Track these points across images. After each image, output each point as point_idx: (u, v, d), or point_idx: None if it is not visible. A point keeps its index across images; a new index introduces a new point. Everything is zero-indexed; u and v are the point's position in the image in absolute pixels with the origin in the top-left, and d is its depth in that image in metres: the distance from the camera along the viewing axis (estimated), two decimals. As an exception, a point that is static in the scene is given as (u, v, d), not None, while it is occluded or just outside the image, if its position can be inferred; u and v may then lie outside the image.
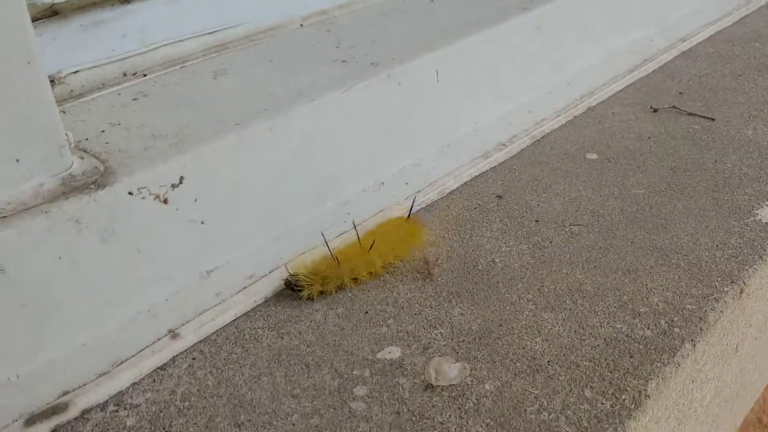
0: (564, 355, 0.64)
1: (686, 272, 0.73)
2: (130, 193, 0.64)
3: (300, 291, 0.70)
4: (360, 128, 0.83)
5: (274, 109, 0.77)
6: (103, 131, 0.74)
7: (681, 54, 1.28)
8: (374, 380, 0.62)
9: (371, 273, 0.73)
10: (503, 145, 0.96)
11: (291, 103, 0.78)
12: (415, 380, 0.62)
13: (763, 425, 1.34)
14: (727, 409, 0.83)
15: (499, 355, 0.64)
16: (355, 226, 0.74)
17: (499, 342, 0.65)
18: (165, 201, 0.65)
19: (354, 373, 0.63)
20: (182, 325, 0.67)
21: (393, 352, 0.65)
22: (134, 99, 0.79)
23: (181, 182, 0.66)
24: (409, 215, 0.76)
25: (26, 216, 0.60)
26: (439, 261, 0.76)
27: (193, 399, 0.60)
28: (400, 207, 0.81)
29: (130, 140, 0.71)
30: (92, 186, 0.64)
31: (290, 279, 0.70)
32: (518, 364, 0.63)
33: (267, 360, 0.64)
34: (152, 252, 0.67)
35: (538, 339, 0.66)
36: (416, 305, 0.70)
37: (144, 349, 0.65)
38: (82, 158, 0.68)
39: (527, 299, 0.71)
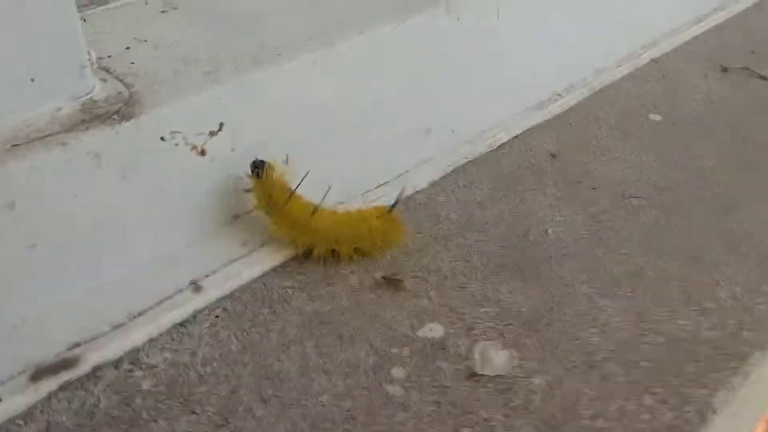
0: (622, 351, 0.58)
1: (757, 265, 0.67)
2: (162, 139, 0.56)
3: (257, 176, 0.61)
4: (410, 66, 0.75)
5: (321, 39, 0.68)
6: (128, 48, 0.65)
7: (754, 5, 1.17)
8: (414, 362, 0.56)
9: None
10: (559, 95, 0.88)
11: (339, 34, 0.69)
12: (458, 366, 0.56)
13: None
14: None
15: (550, 345, 0.58)
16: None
17: (551, 329, 0.60)
18: (203, 152, 0.58)
19: (392, 350, 0.57)
20: (206, 276, 0.61)
21: (435, 330, 0.59)
22: (162, 11, 0.71)
23: (220, 129, 0.59)
24: (392, 208, 0.64)
25: (41, 148, 0.53)
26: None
27: (215, 365, 0.55)
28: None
29: (159, 62, 0.63)
30: (115, 116, 0.56)
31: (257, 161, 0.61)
32: (572, 358, 0.57)
33: (297, 326, 0.58)
34: (178, 195, 0.60)
35: (593, 330, 0.60)
36: (461, 276, 0.64)
37: (164, 300, 0.59)
38: (105, 80, 0.60)
39: (582, 281, 0.64)
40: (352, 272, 0.63)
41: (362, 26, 0.70)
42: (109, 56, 0.64)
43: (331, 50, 0.68)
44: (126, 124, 0.56)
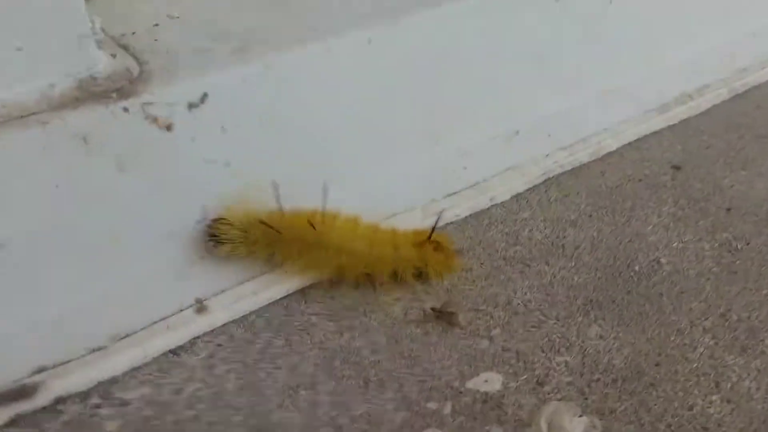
0: (755, 430, 0.41)
1: None
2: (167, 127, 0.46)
3: (218, 242, 0.48)
4: (494, 52, 0.61)
5: (379, 13, 0.56)
6: (156, 25, 0.56)
7: None
8: (456, 423, 0.42)
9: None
10: (689, 96, 0.71)
11: (403, 8, 0.57)
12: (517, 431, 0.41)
13: None
14: None
15: (650, 414, 0.42)
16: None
17: (654, 392, 0.44)
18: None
19: (428, 406, 0.43)
20: (214, 295, 0.50)
21: (491, 382, 0.45)
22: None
23: (203, 101, 0.47)
24: (431, 235, 0.50)
25: (15, 126, 0.44)
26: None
27: (201, 407, 0.43)
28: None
29: (185, 39, 0.53)
30: (113, 94, 0.46)
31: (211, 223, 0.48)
32: (680, 435, 0.41)
33: (314, 364, 0.46)
34: (185, 194, 0.50)
35: (714, 397, 0.43)
36: (537, 313, 0.49)
37: (158, 321, 0.48)
38: (115, 56, 0.50)
39: (703, 328, 0.48)
40: (397, 299, 0.50)
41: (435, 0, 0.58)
42: (134, 33, 0.54)
43: (393, 26, 0.55)
44: (123, 103, 0.46)
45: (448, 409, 0.43)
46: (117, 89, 0.47)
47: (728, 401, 0.43)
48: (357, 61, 0.55)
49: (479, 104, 0.61)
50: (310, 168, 0.53)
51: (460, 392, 0.44)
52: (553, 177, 0.61)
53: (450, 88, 0.59)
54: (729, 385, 0.44)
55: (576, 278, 0.52)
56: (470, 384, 0.44)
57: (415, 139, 0.59)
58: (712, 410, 0.43)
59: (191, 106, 0.47)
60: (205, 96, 0.47)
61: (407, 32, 0.56)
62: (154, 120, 0.46)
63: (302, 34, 0.53)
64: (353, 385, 0.44)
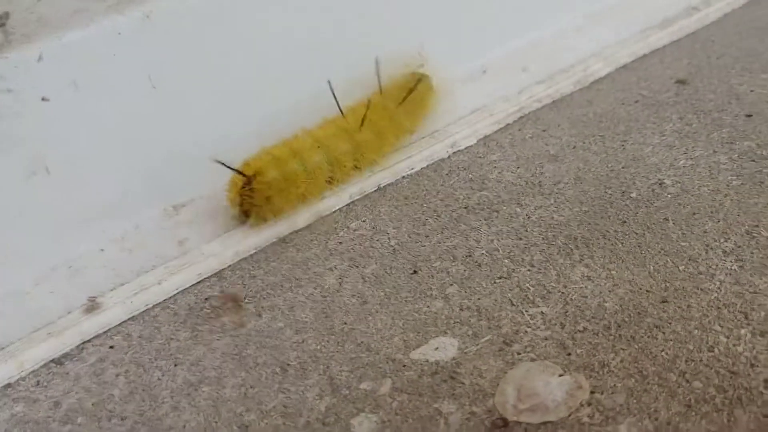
0: (800, 370, 0.29)
1: None
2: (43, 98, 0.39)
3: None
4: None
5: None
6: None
7: None
8: (395, 402, 0.32)
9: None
10: (695, 8, 0.59)
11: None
12: (475, 408, 0.31)
13: None
14: None
15: (656, 363, 0.31)
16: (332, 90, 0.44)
17: (660, 335, 0.33)
18: None
19: (360, 387, 0.33)
20: (111, 290, 0.41)
21: (444, 349, 0.34)
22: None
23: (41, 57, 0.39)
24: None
25: None
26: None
27: (79, 421, 0.34)
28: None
29: (62, 4, 0.46)
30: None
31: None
32: (697, 390, 0.29)
33: (222, 354, 0.36)
34: (74, 169, 0.42)
35: (743, 331, 0.32)
36: (505, 261, 0.38)
37: (42, 327, 0.39)
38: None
39: (723, 251, 0.36)
40: (331, 268, 0.40)
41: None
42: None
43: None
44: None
45: (386, 387, 0.33)
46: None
47: (762, 334, 0.31)
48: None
49: (441, 31, 0.51)
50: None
51: (403, 365, 0.34)
52: (530, 113, 0.50)
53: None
54: (763, 315, 0.32)
55: (556, 216, 0.41)
56: (416, 354, 0.34)
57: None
58: (741, 347, 0.31)
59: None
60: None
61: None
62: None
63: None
64: (268, 374, 0.34)
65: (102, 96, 0.42)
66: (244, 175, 0.42)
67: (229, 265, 0.42)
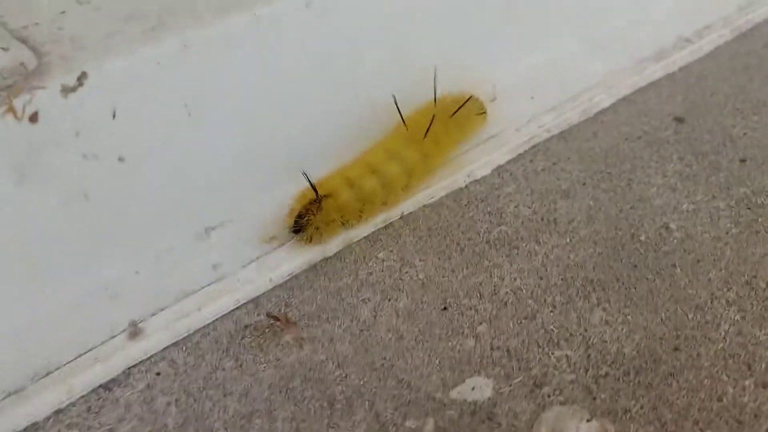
0: (802, 423, 0.34)
1: None
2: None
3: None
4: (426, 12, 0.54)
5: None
6: (63, 12, 0.49)
7: None
8: (440, 443, 0.35)
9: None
10: (687, 40, 0.63)
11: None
12: (514, 449, 0.34)
13: None
14: None
15: (673, 411, 0.35)
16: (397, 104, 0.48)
17: (675, 383, 0.36)
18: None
19: (406, 425, 0.36)
20: (152, 315, 0.43)
21: (480, 389, 0.37)
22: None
23: (81, 83, 0.40)
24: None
25: None
26: (573, 223, 0.46)
27: (137, 451, 0.36)
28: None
29: (94, 23, 0.46)
30: (2, 93, 0.40)
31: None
32: (711, 435, 0.33)
33: (269, 385, 0.39)
34: (106, 202, 0.43)
35: (747, 382, 0.36)
36: (529, 301, 0.42)
37: (86, 352, 0.41)
38: (7, 50, 0.43)
39: (727, 301, 0.40)
40: (365, 300, 0.43)
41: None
42: (36, 23, 0.47)
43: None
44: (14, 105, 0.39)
45: (430, 426, 0.36)
46: (8, 86, 0.40)
47: (764, 385, 0.36)
48: (292, 26, 0.47)
49: (439, 61, 0.53)
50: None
51: (444, 404, 0.37)
52: (540, 143, 0.53)
53: (404, 45, 0.52)
54: (763, 366, 0.37)
55: (572, 256, 0.44)
56: (455, 393, 0.37)
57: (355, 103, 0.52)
58: (746, 398, 0.35)
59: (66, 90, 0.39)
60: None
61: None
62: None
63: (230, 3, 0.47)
64: (316, 408, 0.37)
65: (139, 123, 0.43)
66: (317, 193, 0.44)
67: (264, 292, 0.44)
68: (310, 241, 0.46)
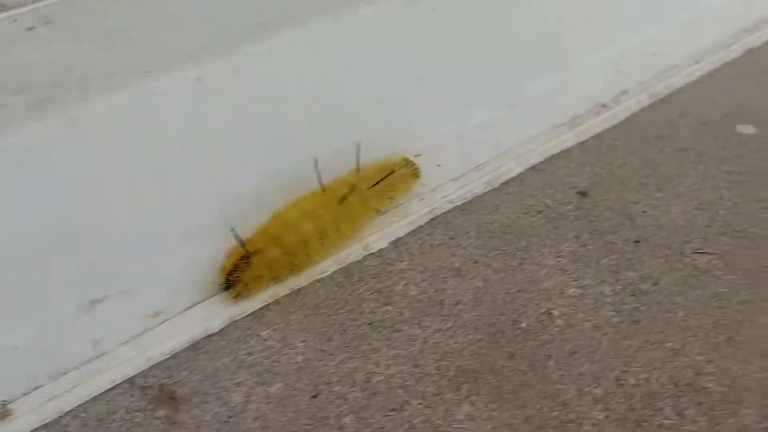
0: None
1: None
2: None
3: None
4: (365, 70, 0.54)
5: (217, 48, 0.49)
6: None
7: None
8: None
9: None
10: (604, 106, 0.63)
11: (244, 40, 0.49)
12: None
13: None
14: None
15: None
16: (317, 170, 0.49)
17: (526, 489, 0.36)
18: None
19: None
20: (24, 394, 0.42)
21: (334, 489, 0.37)
22: (30, 28, 0.54)
23: None
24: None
25: None
26: (460, 304, 0.46)
27: None
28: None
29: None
30: None
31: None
32: None
33: (129, 476, 0.38)
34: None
35: (599, 493, 0.36)
36: (399, 391, 0.42)
37: (-50, 435, 0.41)
38: None
39: (594, 398, 0.40)
40: (239, 383, 0.43)
41: (280, 25, 0.51)
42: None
43: (228, 62, 0.48)
44: None
45: None
46: None
47: (615, 497, 0.36)
48: (182, 101, 0.47)
49: (344, 130, 0.54)
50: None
51: (296, 504, 0.37)
52: (440, 216, 0.53)
53: (283, 118, 0.52)
54: (620, 474, 0.37)
55: (451, 342, 0.44)
56: (309, 492, 0.37)
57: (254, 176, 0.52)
58: None
59: None
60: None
61: (245, 64, 0.49)
62: None
63: (120, 78, 0.46)
64: (170, 503, 0.37)
65: (25, 196, 0.43)
66: (246, 250, 0.46)
67: (142, 371, 0.44)
68: (239, 296, 0.47)
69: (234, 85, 0.49)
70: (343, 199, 0.49)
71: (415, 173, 0.54)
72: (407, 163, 0.54)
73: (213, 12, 0.54)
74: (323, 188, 0.49)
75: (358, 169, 0.51)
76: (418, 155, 0.55)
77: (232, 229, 0.45)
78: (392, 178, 0.52)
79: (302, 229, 0.48)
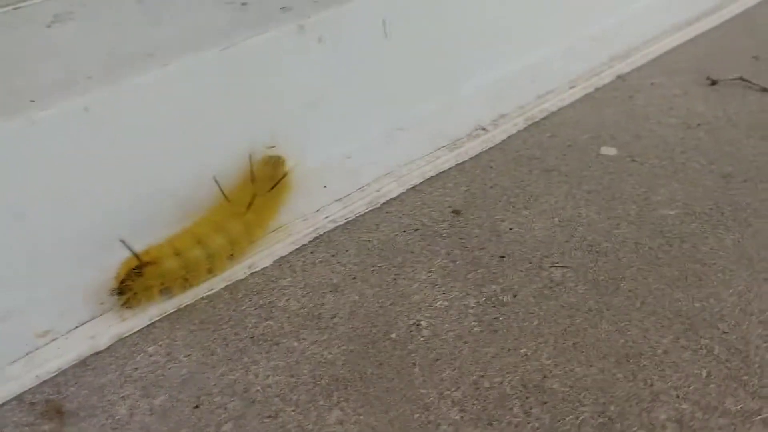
0: None
1: (726, 368, 0.45)
2: None
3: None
4: (253, 95, 0.57)
5: (103, 77, 0.51)
6: None
7: (760, 2, 0.95)
8: None
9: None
10: (483, 129, 0.68)
11: (133, 69, 0.52)
12: None
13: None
14: None
15: None
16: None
17: (384, 486, 0.40)
18: None
19: None
20: None
21: (208, 492, 0.40)
22: None
23: None
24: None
25: None
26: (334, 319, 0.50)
27: None
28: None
29: None
30: None
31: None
32: None
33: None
34: None
35: (448, 487, 0.40)
36: (276, 399, 0.45)
37: None
38: None
39: (452, 401, 0.45)
40: (124, 397, 0.45)
41: (169, 56, 0.53)
42: None
43: (115, 91, 0.51)
44: None
45: None
46: None
47: (464, 490, 0.40)
48: (66, 132, 0.50)
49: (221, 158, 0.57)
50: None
51: (172, 508, 0.39)
52: (323, 234, 0.57)
53: (171, 143, 0.55)
54: (471, 471, 0.41)
55: (326, 353, 0.48)
56: (185, 497, 0.40)
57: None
58: (443, 502, 0.39)
59: None
60: None
61: (127, 96, 0.52)
62: None
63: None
64: None
65: None
66: (140, 260, 0.48)
67: (30, 389, 0.46)
68: (129, 305, 0.50)
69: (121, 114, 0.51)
70: (250, 205, 0.53)
71: (282, 163, 0.57)
72: (277, 159, 0.57)
73: (101, 41, 0.56)
74: (228, 200, 0.53)
75: (253, 179, 0.55)
76: (272, 146, 0.57)
77: (122, 240, 0.47)
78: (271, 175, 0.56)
79: (209, 243, 0.51)
